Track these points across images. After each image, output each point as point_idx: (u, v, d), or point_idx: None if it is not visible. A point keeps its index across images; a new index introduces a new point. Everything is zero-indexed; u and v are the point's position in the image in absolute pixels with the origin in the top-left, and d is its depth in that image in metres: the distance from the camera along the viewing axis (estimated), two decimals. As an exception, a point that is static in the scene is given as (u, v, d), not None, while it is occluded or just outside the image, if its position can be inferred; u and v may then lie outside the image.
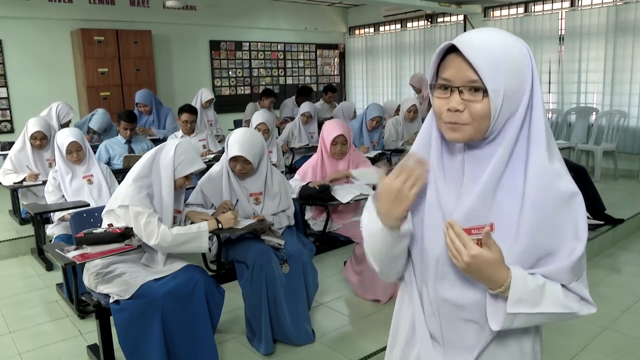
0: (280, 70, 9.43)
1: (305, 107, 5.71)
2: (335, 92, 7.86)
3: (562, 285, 1.02)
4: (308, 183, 3.17)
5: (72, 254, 2.29)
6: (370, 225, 1.08)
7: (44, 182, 3.74)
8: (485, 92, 0.95)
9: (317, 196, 3.09)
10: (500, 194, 1.00)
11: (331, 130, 3.31)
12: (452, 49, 0.99)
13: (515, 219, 0.99)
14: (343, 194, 3.13)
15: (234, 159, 2.73)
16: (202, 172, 2.83)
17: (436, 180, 1.05)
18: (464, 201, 1.02)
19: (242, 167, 2.73)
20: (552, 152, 0.99)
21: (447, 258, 1.05)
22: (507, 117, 0.98)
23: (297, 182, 3.29)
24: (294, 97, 7.54)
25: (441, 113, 1.00)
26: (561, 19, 7.07)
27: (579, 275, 1.02)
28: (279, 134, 5.80)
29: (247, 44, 8.91)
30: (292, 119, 6.40)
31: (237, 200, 2.74)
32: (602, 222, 4.32)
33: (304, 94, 7.30)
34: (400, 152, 5.12)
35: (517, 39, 1.00)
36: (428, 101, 7.14)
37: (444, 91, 1.00)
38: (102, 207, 2.57)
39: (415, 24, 9.15)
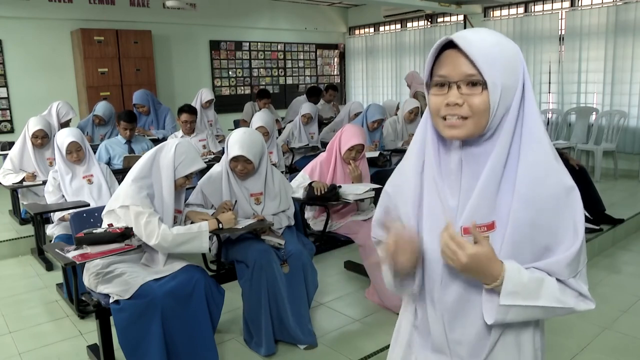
0: (280, 70, 9.43)
1: (306, 108, 5.71)
2: (337, 90, 7.84)
3: (559, 280, 1.01)
4: (311, 183, 3.16)
5: (72, 254, 2.29)
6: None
7: (44, 182, 3.74)
8: (483, 86, 0.96)
9: (326, 197, 3.08)
10: (500, 191, 1.00)
11: (351, 136, 3.29)
12: (447, 47, 1.00)
13: None
14: (351, 191, 3.13)
15: (235, 159, 2.73)
16: (202, 172, 2.83)
17: (435, 182, 1.06)
18: (465, 201, 1.02)
19: (243, 167, 2.73)
20: (543, 148, 1.00)
21: None
22: (503, 113, 0.99)
23: (304, 179, 3.28)
24: (305, 96, 7.55)
25: (439, 109, 1.01)
26: (561, 19, 7.07)
27: (576, 270, 1.01)
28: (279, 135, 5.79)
29: (247, 44, 8.91)
30: None
31: (236, 201, 2.74)
32: (599, 228, 4.23)
33: (314, 94, 7.31)
34: (400, 152, 5.11)
35: (508, 39, 1.02)
36: (414, 98, 7.19)
37: (440, 88, 1.01)
38: (102, 207, 2.57)
39: (415, 24, 9.15)
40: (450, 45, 0.99)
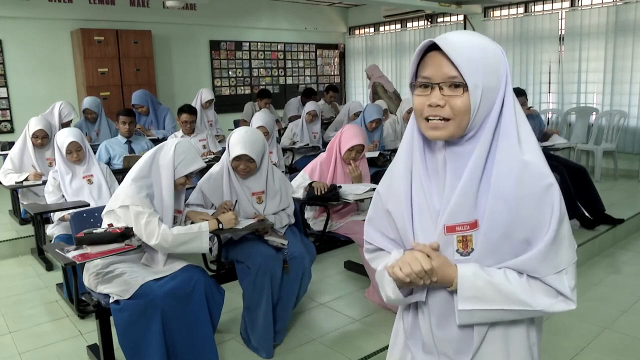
0: (280, 70, 9.43)
1: (310, 106, 5.72)
2: (337, 92, 7.84)
3: (535, 278, 1.01)
4: (311, 183, 3.16)
5: (72, 254, 2.29)
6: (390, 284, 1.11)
7: (44, 182, 3.74)
8: (464, 87, 0.98)
9: (326, 197, 3.08)
10: (481, 190, 1.02)
11: (352, 137, 3.29)
12: (431, 49, 1.02)
13: None
14: (351, 191, 3.13)
15: (237, 159, 2.72)
16: (202, 172, 2.83)
17: (421, 181, 1.07)
18: (448, 200, 1.03)
19: (246, 166, 2.73)
20: (523, 146, 1.01)
21: None
22: (485, 115, 1.01)
23: (304, 179, 3.27)
24: (299, 97, 7.55)
25: (422, 110, 1.03)
26: (561, 19, 7.08)
27: (555, 267, 1.01)
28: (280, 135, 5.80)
29: (247, 44, 8.91)
30: (298, 117, 6.37)
31: (237, 201, 2.74)
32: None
33: (308, 95, 7.31)
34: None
35: (492, 41, 1.03)
36: (373, 89, 7.21)
37: (424, 89, 1.03)
38: (102, 207, 2.56)
39: (415, 24, 9.15)
40: (434, 47, 1.00)
